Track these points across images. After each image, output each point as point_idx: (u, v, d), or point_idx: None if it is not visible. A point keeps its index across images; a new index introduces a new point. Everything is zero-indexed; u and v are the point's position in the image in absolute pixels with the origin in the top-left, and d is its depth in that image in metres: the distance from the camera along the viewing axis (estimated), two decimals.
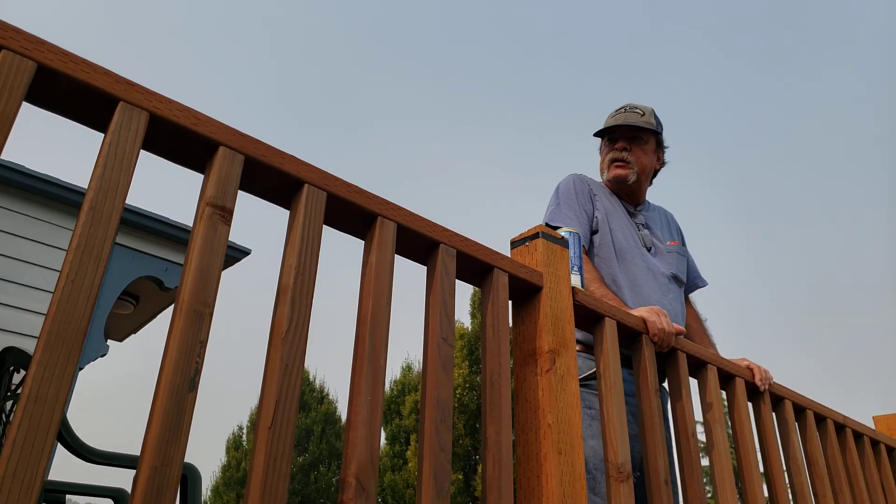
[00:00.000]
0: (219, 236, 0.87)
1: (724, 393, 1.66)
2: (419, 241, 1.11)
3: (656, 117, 2.07)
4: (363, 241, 1.07)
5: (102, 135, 0.84)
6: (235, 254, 4.52)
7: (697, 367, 1.59)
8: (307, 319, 0.91)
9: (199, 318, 0.81)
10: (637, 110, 2.04)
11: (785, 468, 1.72)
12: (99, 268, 0.76)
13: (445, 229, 1.14)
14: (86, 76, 0.82)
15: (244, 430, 20.72)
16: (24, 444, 0.65)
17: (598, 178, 2.11)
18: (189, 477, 2.26)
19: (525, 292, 1.26)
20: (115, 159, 0.81)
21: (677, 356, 1.52)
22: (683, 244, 2.16)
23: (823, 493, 1.80)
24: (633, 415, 1.67)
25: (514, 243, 1.34)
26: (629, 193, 2.07)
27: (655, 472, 1.32)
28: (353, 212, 1.04)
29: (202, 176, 0.94)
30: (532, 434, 1.17)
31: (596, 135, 2.09)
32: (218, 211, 0.88)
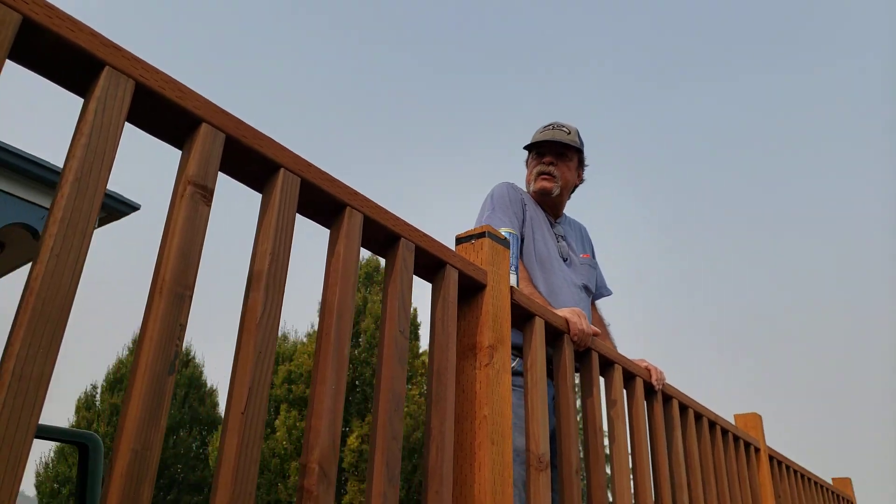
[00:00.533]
0: (200, 217, 0.85)
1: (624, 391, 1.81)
2: (381, 234, 1.13)
3: (580, 136, 2.21)
4: (327, 230, 1.08)
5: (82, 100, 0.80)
6: (123, 208, 4.25)
7: (606, 366, 1.72)
8: (280, 306, 0.91)
9: (181, 300, 0.80)
10: (564, 128, 2.17)
11: (668, 460, 1.90)
12: (84, 242, 0.73)
13: (406, 223, 1.16)
14: (71, 35, 0.78)
15: (98, 390, 19.34)
16: (9, 424, 0.62)
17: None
18: (91, 447, 2.15)
19: (470, 289, 1.31)
20: (102, 128, 0.78)
21: (591, 355, 1.64)
22: (594, 257, 2.33)
23: (695, 483, 2.01)
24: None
25: (460, 240, 1.38)
26: (552, 206, 2.20)
27: (569, 463, 1.43)
28: (322, 200, 1.04)
29: (171, 150, 0.92)
30: (468, 424, 1.23)
31: (525, 148, 2.20)
32: (199, 190, 0.86)
